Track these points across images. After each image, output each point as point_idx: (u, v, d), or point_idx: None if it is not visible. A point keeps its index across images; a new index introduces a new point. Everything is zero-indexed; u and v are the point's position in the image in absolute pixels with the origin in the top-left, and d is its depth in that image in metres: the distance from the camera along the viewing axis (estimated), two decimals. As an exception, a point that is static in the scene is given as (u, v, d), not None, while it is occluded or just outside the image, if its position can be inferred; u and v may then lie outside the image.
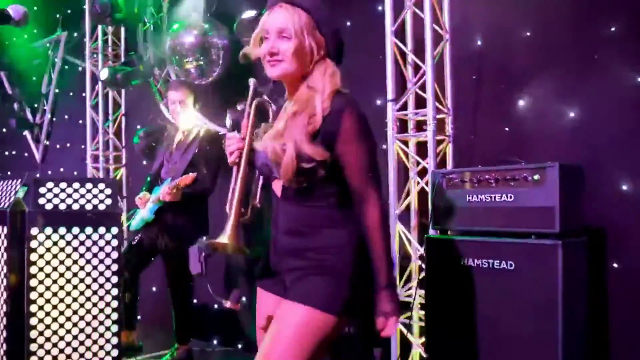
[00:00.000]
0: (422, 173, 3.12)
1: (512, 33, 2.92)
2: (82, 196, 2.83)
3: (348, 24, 3.58)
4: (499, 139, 2.99)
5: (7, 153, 7.10)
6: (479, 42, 3.08)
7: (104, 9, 4.33)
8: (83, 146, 5.67)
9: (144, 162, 4.89)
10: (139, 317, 5.27)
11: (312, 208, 1.55)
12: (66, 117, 6.11)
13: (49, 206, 2.76)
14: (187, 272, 3.47)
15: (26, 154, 6.46)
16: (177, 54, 4.14)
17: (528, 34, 2.88)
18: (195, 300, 4.53)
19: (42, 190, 2.77)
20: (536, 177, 2.11)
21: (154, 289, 5.05)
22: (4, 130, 6.90)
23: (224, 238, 1.50)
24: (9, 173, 6.77)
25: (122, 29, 5.36)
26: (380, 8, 3.36)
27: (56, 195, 2.78)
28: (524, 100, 2.90)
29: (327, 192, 1.55)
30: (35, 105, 6.35)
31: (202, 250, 1.58)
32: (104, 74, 4.67)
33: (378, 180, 1.56)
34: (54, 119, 6.24)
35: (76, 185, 2.83)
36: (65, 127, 5.98)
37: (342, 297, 1.51)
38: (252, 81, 1.68)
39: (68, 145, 6.21)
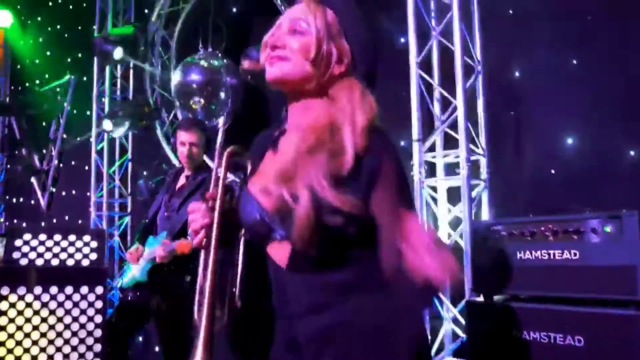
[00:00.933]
0: (455, 223, 2.70)
1: (556, 61, 2.56)
2: (64, 250, 2.47)
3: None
4: (545, 183, 2.59)
5: (14, 200, 6.88)
6: (517, 74, 2.72)
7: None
8: (88, 193, 5.42)
9: (150, 210, 4.57)
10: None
11: (336, 277, 1.08)
12: (73, 162, 5.89)
13: (24, 261, 2.40)
14: (185, 337, 3.07)
15: (33, 202, 6.25)
16: (183, 93, 3.85)
17: (575, 61, 2.51)
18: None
19: (17, 242, 2.42)
20: (608, 228, 1.69)
21: (157, 349, 4.61)
22: (13, 176, 6.72)
23: None
24: (15, 221, 6.60)
25: (131, 72, 5.18)
26: (403, 40, 3.04)
27: (33, 249, 2.43)
28: (574, 137, 2.50)
29: (357, 257, 1.08)
30: (44, 151, 6.21)
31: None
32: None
33: None
34: (61, 164, 6.09)
35: (57, 237, 2.48)
36: (71, 173, 5.76)
37: None
38: (220, 121, 1.22)
39: (74, 192, 5.96)
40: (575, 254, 1.75)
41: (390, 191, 1.05)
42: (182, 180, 3.11)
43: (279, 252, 1.11)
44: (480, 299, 2.00)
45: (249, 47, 3.31)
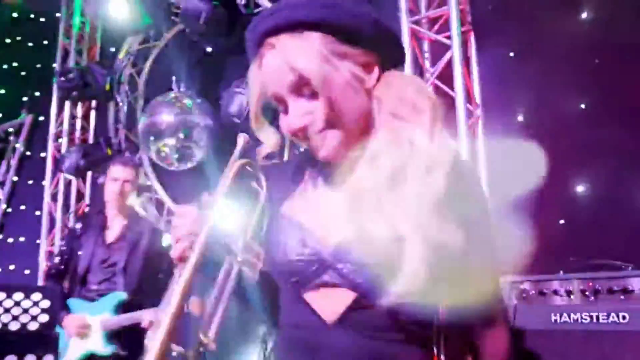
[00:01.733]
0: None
1: (563, 105, 2.43)
2: (7, 310, 2.08)
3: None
4: (552, 235, 2.39)
5: (-48, 249, 6.28)
6: (520, 118, 2.58)
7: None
8: (38, 241, 4.96)
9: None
10: None
11: (393, 344, 0.86)
12: (22, 207, 5.43)
13: (-45, 326, 2.00)
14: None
15: (-27, 249, 5.72)
16: (152, 134, 3.56)
17: (583, 106, 2.38)
18: None
19: (-51, 303, 2.02)
20: (661, 288, 1.48)
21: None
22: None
23: None
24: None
25: (93, 112, 4.85)
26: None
27: (-31, 310, 2.03)
28: (584, 184, 2.34)
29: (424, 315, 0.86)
30: (-10, 196, 5.70)
31: None
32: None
33: None
34: (9, 209, 5.60)
35: (0, 295, 2.09)
36: (20, 218, 5.29)
37: None
38: (242, 136, 0.96)
39: (22, 239, 5.47)
40: (624, 318, 1.52)
41: (484, 222, 0.95)
42: (115, 230, 2.63)
43: (325, 301, 0.88)
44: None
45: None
